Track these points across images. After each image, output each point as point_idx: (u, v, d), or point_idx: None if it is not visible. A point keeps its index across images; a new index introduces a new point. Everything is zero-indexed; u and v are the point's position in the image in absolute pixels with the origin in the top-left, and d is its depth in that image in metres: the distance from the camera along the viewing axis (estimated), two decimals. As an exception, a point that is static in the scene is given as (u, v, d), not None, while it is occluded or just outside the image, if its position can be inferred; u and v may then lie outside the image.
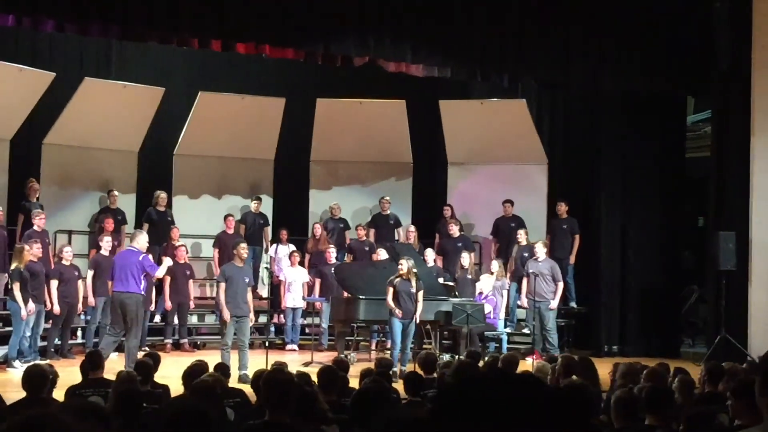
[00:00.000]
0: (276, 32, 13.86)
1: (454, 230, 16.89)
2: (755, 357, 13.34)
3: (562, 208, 16.83)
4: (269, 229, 17.73)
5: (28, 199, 15.40)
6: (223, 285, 12.60)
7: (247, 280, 12.71)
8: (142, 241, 12.78)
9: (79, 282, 14.71)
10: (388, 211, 17.72)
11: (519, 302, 16.27)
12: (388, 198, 17.73)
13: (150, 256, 15.44)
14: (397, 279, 13.26)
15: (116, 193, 16.66)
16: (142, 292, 12.58)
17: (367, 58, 14.73)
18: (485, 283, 15.45)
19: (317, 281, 16.53)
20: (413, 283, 13.29)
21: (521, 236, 16.43)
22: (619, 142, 17.01)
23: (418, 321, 13.46)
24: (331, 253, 16.50)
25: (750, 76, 15.47)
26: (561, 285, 15.51)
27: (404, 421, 2.63)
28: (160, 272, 12.98)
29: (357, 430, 5.69)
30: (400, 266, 13.27)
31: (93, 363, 8.63)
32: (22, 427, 1.94)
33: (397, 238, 17.36)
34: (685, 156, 17.41)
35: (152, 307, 15.97)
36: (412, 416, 2.54)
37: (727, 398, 7.53)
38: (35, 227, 14.64)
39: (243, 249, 12.89)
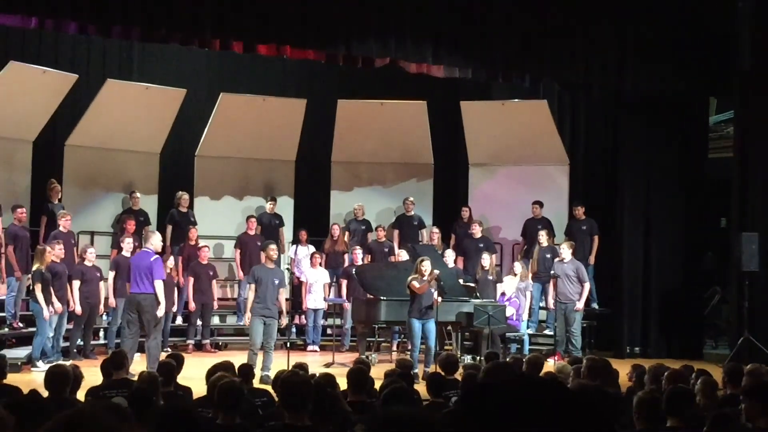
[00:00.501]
0: (297, 33, 13.88)
1: (477, 231, 16.87)
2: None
3: (579, 211, 16.79)
4: (284, 230, 17.74)
5: (50, 201, 15.48)
6: (253, 287, 12.62)
7: (277, 282, 12.70)
8: (155, 241, 12.78)
9: (101, 283, 14.77)
10: (413, 212, 17.71)
11: (542, 303, 16.24)
12: (412, 199, 17.72)
13: (171, 259, 15.58)
14: (419, 278, 13.17)
15: (138, 194, 16.71)
16: (148, 291, 12.47)
17: (388, 59, 14.74)
18: (508, 285, 15.43)
19: (343, 282, 16.54)
20: (434, 284, 13.23)
21: (542, 237, 16.39)
22: (640, 143, 16.94)
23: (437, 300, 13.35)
24: (358, 254, 16.48)
25: (772, 75, 15.41)
26: (587, 286, 15.45)
27: (401, 420, 2.62)
28: (158, 287, 12.60)
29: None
30: (424, 267, 13.14)
31: (116, 363, 8.66)
32: (67, 425, 1.94)
33: (421, 239, 17.33)
34: (707, 157, 17.32)
35: (174, 308, 16.02)
36: (414, 415, 2.52)
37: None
38: (61, 228, 14.73)
39: (272, 251, 12.90)
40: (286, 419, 5.33)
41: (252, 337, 12.56)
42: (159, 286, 12.51)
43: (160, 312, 13.02)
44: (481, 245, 16.64)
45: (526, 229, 17.23)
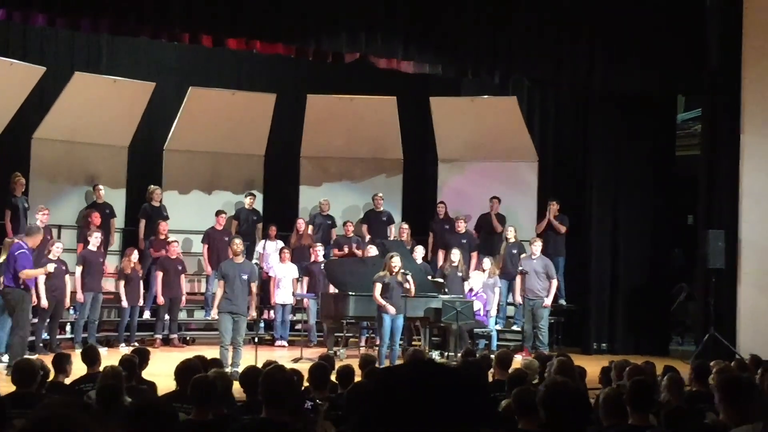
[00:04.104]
0: (267, 28, 13.84)
1: (461, 226, 16.89)
2: (743, 355, 13.37)
3: (554, 207, 16.80)
4: (261, 225, 17.72)
5: (13, 194, 15.33)
6: (221, 283, 12.49)
7: (246, 276, 12.50)
8: (36, 239, 12.76)
9: (66, 276, 14.63)
10: (382, 208, 17.72)
11: (509, 299, 16.27)
12: (381, 195, 17.73)
13: (135, 254, 15.49)
14: (387, 275, 13.17)
15: (101, 187, 16.59)
16: (11, 285, 12.37)
17: (358, 55, 14.73)
18: (475, 280, 15.44)
19: (305, 278, 16.50)
20: (403, 279, 13.24)
21: (510, 233, 16.43)
22: (609, 140, 17.01)
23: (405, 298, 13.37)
24: (319, 251, 16.47)
25: (740, 74, 15.51)
26: (555, 282, 15.54)
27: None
28: (29, 273, 12.50)
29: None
30: (393, 264, 13.13)
31: (89, 358, 8.64)
32: (46, 426, 1.91)
33: (389, 235, 17.33)
34: (675, 154, 17.43)
35: (141, 302, 15.94)
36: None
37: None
38: (38, 222, 14.68)
39: (237, 244, 12.74)
40: (263, 414, 5.31)
41: (222, 334, 12.43)
42: (26, 275, 12.43)
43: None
44: (464, 241, 16.69)
45: (481, 224, 17.28)
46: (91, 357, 8.67)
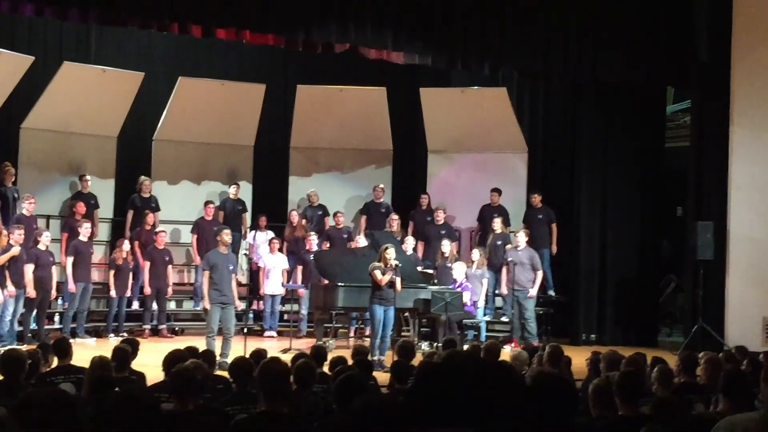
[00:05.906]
0: (257, 18, 13.78)
1: (440, 217, 16.90)
2: (731, 346, 13.41)
3: (536, 199, 16.83)
4: (247, 216, 17.68)
5: (3, 184, 15.28)
6: (207, 273, 12.48)
7: (231, 267, 12.59)
8: None
9: (53, 267, 14.59)
10: (382, 200, 17.69)
11: (497, 290, 16.27)
12: (382, 186, 17.72)
13: (126, 244, 15.44)
14: (382, 267, 13.05)
15: (88, 177, 16.52)
16: None
17: (348, 45, 14.70)
18: (458, 271, 15.39)
19: (299, 268, 16.48)
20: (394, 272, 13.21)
21: (497, 225, 16.43)
22: (598, 132, 17.02)
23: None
24: (312, 241, 16.44)
25: (729, 65, 15.53)
26: (540, 274, 15.57)
27: (379, 405, 2.62)
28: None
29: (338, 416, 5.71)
30: (388, 255, 13.03)
31: (61, 350, 8.60)
32: None
33: (387, 226, 17.19)
34: (664, 146, 17.44)
35: (128, 293, 15.90)
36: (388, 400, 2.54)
37: (702, 386, 7.57)
38: (24, 211, 14.63)
39: (226, 235, 12.75)
40: (263, 407, 5.28)
41: (209, 324, 12.42)
42: None
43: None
44: (443, 232, 16.68)
45: (482, 215, 17.26)
46: (62, 349, 8.63)
